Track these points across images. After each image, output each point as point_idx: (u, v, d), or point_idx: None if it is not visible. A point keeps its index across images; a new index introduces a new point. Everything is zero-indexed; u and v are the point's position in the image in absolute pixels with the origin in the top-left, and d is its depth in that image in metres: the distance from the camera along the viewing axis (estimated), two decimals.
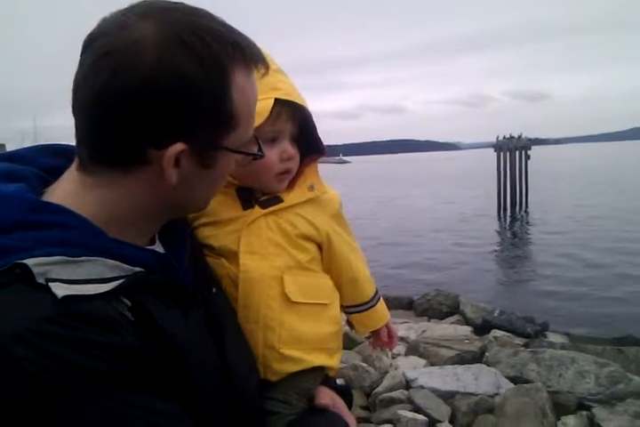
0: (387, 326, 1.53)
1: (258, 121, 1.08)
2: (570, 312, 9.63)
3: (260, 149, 1.01)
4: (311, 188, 1.33)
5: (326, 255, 1.35)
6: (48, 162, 0.97)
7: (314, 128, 1.32)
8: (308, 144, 1.34)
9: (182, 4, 0.85)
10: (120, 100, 0.79)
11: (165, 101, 0.79)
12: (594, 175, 46.08)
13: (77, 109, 0.84)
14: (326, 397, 1.29)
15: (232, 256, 1.24)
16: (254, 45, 0.89)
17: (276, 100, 1.20)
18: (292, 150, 1.28)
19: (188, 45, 0.79)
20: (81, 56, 0.83)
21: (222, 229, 1.27)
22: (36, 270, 0.74)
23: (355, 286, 1.41)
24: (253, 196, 1.30)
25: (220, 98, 0.83)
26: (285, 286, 1.24)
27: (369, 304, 1.46)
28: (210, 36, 0.81)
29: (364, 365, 5.71)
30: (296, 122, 1.29)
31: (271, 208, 1.28)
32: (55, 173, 0.93)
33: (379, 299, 1.49)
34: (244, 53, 0.86)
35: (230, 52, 0.83)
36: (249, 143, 0.96)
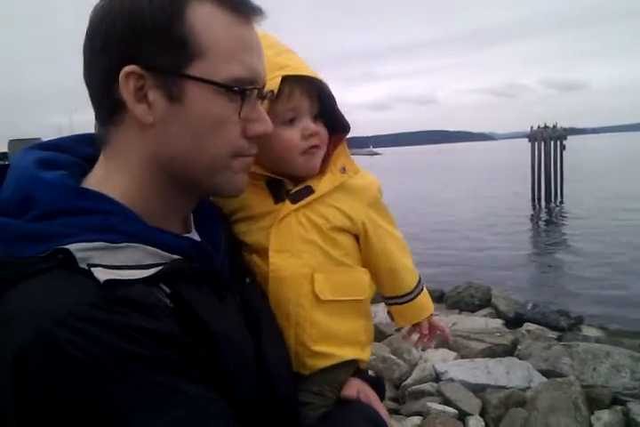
0: (429, 320, 1.45)
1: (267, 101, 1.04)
2: (605, 306, 9.41)
3: (243, 87, 0.89)
4: (343, 170, 1.28)
5: (364, 246, 1.31)
6: (86, 151, 0.99)
7: (334, 102, 1.27)
8: (333, 123, 1.29)
9: None
10: (87, 45, 0.88)
11: (111, 31, 0.84)
12: (632, 166, 44.80)
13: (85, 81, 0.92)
14: (354, 388, 1.29)
15: (263, 253, 1.23)
16: None
17: (287, 78, 1.16)
18: (313, 126, 1.23)
19: None
20: None
21: (254, 224, 1.24)
22: (78, 255, 0.76)
23: (394, 277, 1.36)
24: (284, 188, 1.25)
25: (167, 20, 0.83)
26: (315, 285, 1.22)
27: (409, 296, 1.40)
28: None
29: (394, 357, 5.69)
30: (315, 98, 1.24)
31: (302, 202, 1.23)
32: (93, 162, 0.95)
33: (421, 291, 1.42)
34: None
35: None
36: (236, 82, 0.88)
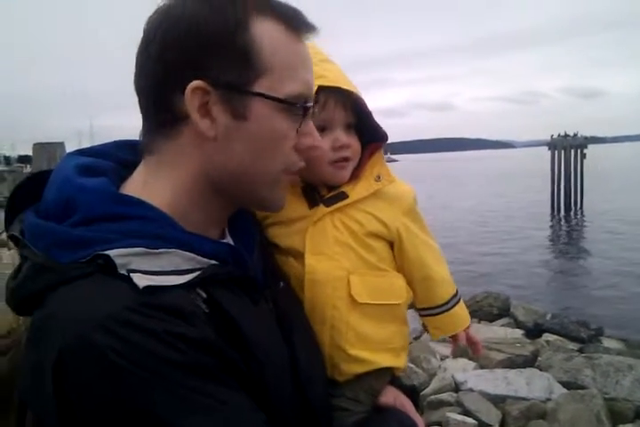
0: (466, 331, 1.42)
1: None
2: (626, 317, 9.27)
3: (306, 102, 0.92)
4: (378, 178, 1.28)
5: (398, 253, 1.31)
6: (127, 157, 1.00)
7: (369, 115, 1.28)
8: (369, 132, 1.30)
9: None
10: (143, 56, 0.87)
11: (178, 44, 0.84)
12: None
13: (138, 89, 0.91)
14: (391, 396, 1.29)
15: (299, 256, 1.23)
16: (292, 8, 0.91)
17: (322, 87, 1.17)
18: (344, 139, 1.24)
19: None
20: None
21: (289, 228, 1.25)
22: (118, 261, 0.77)
23: (428, 287, 1.34)
24: (318, 193, 1.27)
25: (234, 35, 0.84)
26: (352, 287, 1.22)
27: (444, 307, 1.37)
28: None
29: (412, 366, 5.66)
30: (349, 110, 1.25)
31: (336, 206, 1.24)
32: (133, 168, 0.96)
33: (457, 302, 1.39)
34: (275, 8, 0.88)
35: (256, 5, 0.86)
36: (296, 99, 0.90)
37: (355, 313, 1.23)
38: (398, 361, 1.31)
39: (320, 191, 1.27)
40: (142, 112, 0.91)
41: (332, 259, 1.23)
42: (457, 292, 1.40)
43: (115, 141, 1.05)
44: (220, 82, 0.84)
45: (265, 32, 0.86)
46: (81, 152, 1.00)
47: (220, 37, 0.84)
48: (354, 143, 1.27)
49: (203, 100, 0.84)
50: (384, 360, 1.26)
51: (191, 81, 0.83)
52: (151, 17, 0.88)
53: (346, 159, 1.25)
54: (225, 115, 0.86)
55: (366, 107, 1.27)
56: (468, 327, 1.42)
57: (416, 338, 6.38)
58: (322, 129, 1.22)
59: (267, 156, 0.91)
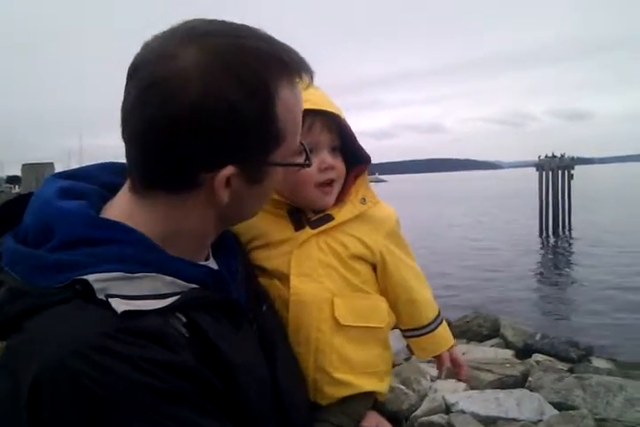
0: (450, 351, 1.43)
1: None
2: (615, 337, 9.28)
3: (307, 158, 1.02)
4: (363, 201, 1.31)
5: (381, 276, 1.32)
6: (110, 179, 0.99)
7: (353, 137, 1.31)
8: (353, 155, 1.32)
9: (223, 22, 0.86)
10: (170, 130, 0.81)
11: (214, 128, 0.81)
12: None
13: (128, 138, 0.86)
14: (373, 421, 1.29)
15: (284, 278, 1.24)
16: (297, 55, 0.89)
17: (307, 111, 1.18)
18: (330, 160, 1.27)
19: (232, 70, 0.80)
20: (126, 85, 0.85)
21: (274, 250, 1.26)
22: (96, 286, 0.76)
23: (413, 309, 1.36)
24: (304, 216, 1.29)
25: (267, 118, 0.84)
26: (335, 309, 1.23)
27: (428, 328, 1.39)
28: (252, 56, 0.82)
29: (403, 387, 5.60)
30: (334, 132, 1.28)
31: (321, 228, 1.26)
32: (115, 190, 0.95)
33: (440, 323, 1.41)
34: (287, 67, 0.86)
35: (273, 69, 0.84)
36: (296, 153, 0.97)
37: (338, 336, 1.23)
38: (381, 386, 1.31)
39: (306, 214, 1.29)
40: (137, 162, 0.87)
41: (316, 281, 1.24)
42: (439, 313, 1.42)
43: (100, 163, 1.04)
44: (247, 161, 0.86)
45: (285, 102, 0.87)
46: (63, 174, 0.99)
47: (256, 125, 0.84)
48: (339, 165, 1.29)
49: (227, 176, 0.86)
50: (368, 384, 1.27)
51: (224, 166, 0.84)
52: (143, 68, 0.83)
53: (332, 181, 1.28)
54: (242, 183, 0.88)
55: (350, 129, 1.30)
56: (451, 348, 1.43)
57: (406, 359, 6.34)
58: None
59: (267, 199, 1.00)
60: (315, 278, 1.24)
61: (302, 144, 0.98)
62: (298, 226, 1.28)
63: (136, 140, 0.85)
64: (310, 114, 1.21)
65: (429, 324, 1.38)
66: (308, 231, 1.26)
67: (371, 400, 1.31)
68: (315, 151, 1.25)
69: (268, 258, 1.26)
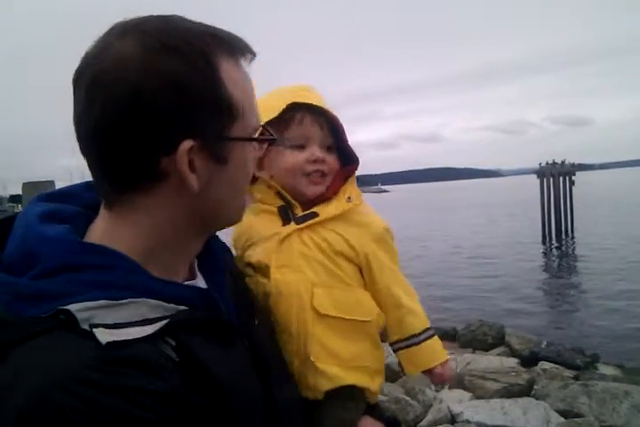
0: (444, 367, 1.37)
1: (264, 118, 1.09)
2: (621, 344, 9.23)
3: (271, 134, 0.98)
4: (348, 199, 1.34)
5: (368, 279, 1.33)
6: (95, 198, 0.95)
7: (343, 134, 1.35)
8: (346, 157, 1.37)
9: (154, 15, 0.86)
10: (119, 120, 0.79)
11: (161, 106, 0.79)
12: None
13: (85, 145, 0.85)
14: (368, 426, 1.27)
15: (267, 271, 1.27)
16: (234, 36, 0.89)
17: (300, 108, 1.28)
18: (320, 153, 1.32)
19: (170, 47, 0.80)
20: (74, 94, 0.84)
21: (261, 245, 1.30)
22: (79, 316, 0.74)
23: (399, 314, 1.34)
24: (292, 212, 1.32)
25: (214, 89, 0.83)
26: (314, 299, 1.24)
27: (416, 339, 1.35)
28: (189, 34, 0.83)
29: (407, 398, 5.58)
30: (326, 129, 1.33)
31: (305, 223, 1.29)
32: (98, 208, 0.93)
33: (430, 336, 1.37)
34: (226, 43, 0.86)
35: (212, 44, 0.84)
36: (256, 133, 0.93)
37: (320, 325, 1.24)
38: (370, 383, 1.30)
39: (294, 211, 1.32)
40: (100, 168, 0.85)
41: (296, 271, 1.26)
42: (430, 327, 1.39)
43: (86, 182, 0.99)
44: (205, 136, 0.83)
45: (229, 74, 0.85)
46: (48, 195, 0.97)
47: (206, 95, 0.82)
48: (330, 160, 1.34)
49: (190, 156, 0.83)
50: (353, 378, 1.26)
51: (181, 142, 0.81)
52: (86, 71, 0.82)
53: (321, 173, 1.33)
54: (207, 164, 0.85)
55: (343, 130, 1.35)
56: (443, 364, 1.38)
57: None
58: (302, 146, 1.32)
59: (241, 186, 0.93)
60: (295, 269, 1.26)
61: (264, 127, 0.96)
62: (285, 222, 1.32)
63: (92, 143, 0.83)
64: (302, 109, 1.29)
65: (418, 334, 1.36)
66: (292, 226, 1.30)
67: (361, 403, 1.30)
68: (307, 145, 1.32)
69: (254, 253, 1.30)
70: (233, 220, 0.99)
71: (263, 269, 1.28)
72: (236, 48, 0.88)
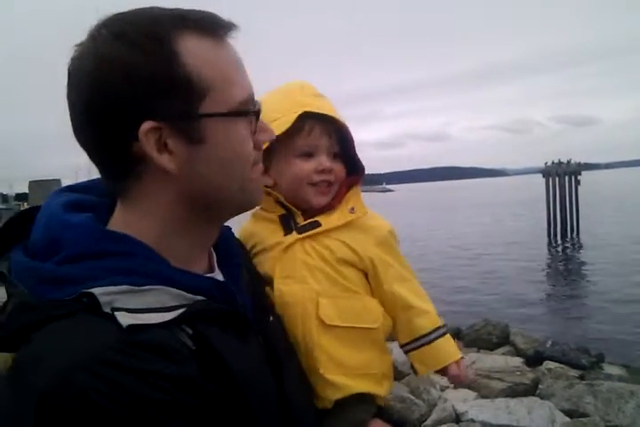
0: (458, 365, 1.34)
1: (277, 131, 1.10)
2: (626, 343, 9.19)
3: (253, 105, 0.94)
4: (352, 210, 1.33)
5: (374, 284, 1.32)
6: None
7: (352, 144, 1.35)
8: (352, 165, 1.37)
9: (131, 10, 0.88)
10: (87, 110, 0.83)
11: (116, 92, 0.81)
12: None
13: (78, 139, 0.88)
14: None
15: (271, 282, 1.26)
16: (207, 14, 0.89)
17: (310, 116, 1.27)
18: (327, 163, 1.31)
19: (117, 34, 0.82)
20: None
21: (265, 255, 1.30)
22: (102, 300, 0.76)
23: (408, 317, 1.33)
24: (294, 221, 1.31)
25: (168, 68, 0.83)
26: (320, 309, 1.23)
27: (425, 339, 1.33)
28: (142, 19, 0.85)
29: (412, 397, 5.58)
30: (334, 138, 1.32)
31: (307, 233, 1.29)
32: None
33: (442, 335, 1.35)
34: (192, 22, 0.86)
35: (170, 26, 0.84)
36: (242, 106, 0.91)
37: (326, 336, 1.24)
38: (379, 388, 1.30)
39: (296, 220, 1.32)
40: (99, 162, 0.89)
41: (300, 282, 1.26)
42: (443, 326, 1.37)
43: None
44: (168, 116, 0.83)
45: (192, 50, 0.85)
46: (69, 188, 1.00)
47: (156, 72, 0.82)
48: (338, 169, 1.33)
49: (156, 137, 0.84)
50: (362, 386, 1.26)
51: (140, 124, 0.82)
52: (75, 61, 0.86)
53: (327, 183, 1.32)
54: (182, 144, 0.85)
55: (352, 139, 1.34)
56: (458, 363, 1.35)
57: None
58: (309, 154, 1.31)
59: (235, 164, 0.91)
60: (299, 280, 1.26)
61: (253, 100, 0.94)
62: (287, 231, 1.31)
63: (80, 138, 0.87)
64: (312, 118, 1.28)
65: (429, 333, 1.34)
66: (294, 236, 1.29)
67: (372, 406, 1.30)
68: (315, 154, 1.31)
69: (260, 263, 1.29)
70: (244, 203, 0.98)
71: (269, 280, 1.27)
72: (206, 26, 0.88)
